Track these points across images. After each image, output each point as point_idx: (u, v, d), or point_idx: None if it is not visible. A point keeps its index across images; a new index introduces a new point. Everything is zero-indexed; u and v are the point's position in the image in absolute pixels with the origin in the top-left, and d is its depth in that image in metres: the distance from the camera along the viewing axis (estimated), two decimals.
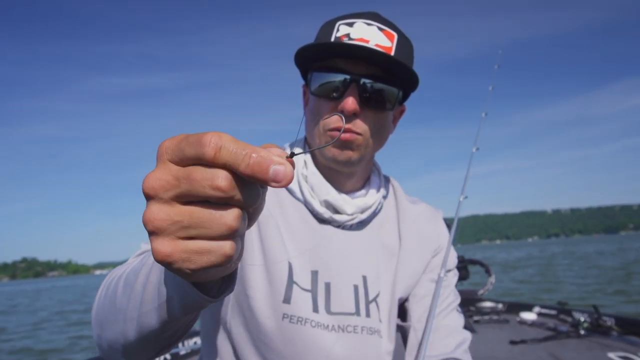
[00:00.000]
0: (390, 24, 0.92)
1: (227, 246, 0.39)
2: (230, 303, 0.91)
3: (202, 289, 0.50)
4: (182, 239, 0.38)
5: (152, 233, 0.38)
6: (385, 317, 0.96)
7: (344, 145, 0.89)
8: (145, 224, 0.38)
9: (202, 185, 0.37)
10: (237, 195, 0.38)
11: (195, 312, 0.56)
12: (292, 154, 0.40)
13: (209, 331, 0.97)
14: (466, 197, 1.33)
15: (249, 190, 0.38)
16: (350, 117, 0.87)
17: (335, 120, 0.88)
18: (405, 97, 0.98)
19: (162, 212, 0.37)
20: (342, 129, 0.88)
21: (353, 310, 0.92)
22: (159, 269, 0.55)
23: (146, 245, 0.83)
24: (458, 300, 1.05)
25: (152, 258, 0.58)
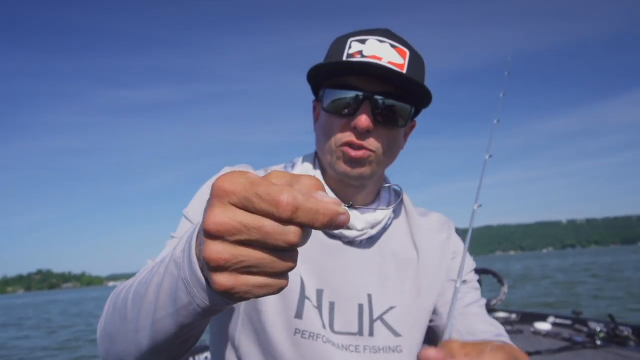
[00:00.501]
0: (402, 41, 0.92)
1: (284, 281, 0.43)
2: (240, 318, 0.91)
3: None
4: (243, 273, 0.42)
5: (214, 268, 0.41)
6: (403, 330, 0.95)
7: (357, 162, 0.89)
8: (208, 261, 0.41)
9: (274, 238, 0.40)
10: (300, 244, 0.41)
11: (214, 315, 0.58)
12: (351, 205, 0.45)
13: (217, 346, 0.97)
14: (480, 206, 1.31)
15: (308, 235, 0.42)
16: (363, 134, 0.87)
17: (347, 136, 0.88)
18: (416, 112, 0.98)
19: (227, 253, 0.40)
20: (354, 144, 0.88)
21: (356, 330, 0.92)
22: (172, 278, 0.54)
23: (152, 262, 0.83)
24: (484, 300, 1.06)
25: (161, 268, 0.58)
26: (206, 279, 0.48)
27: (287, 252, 0.42)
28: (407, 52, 0.91)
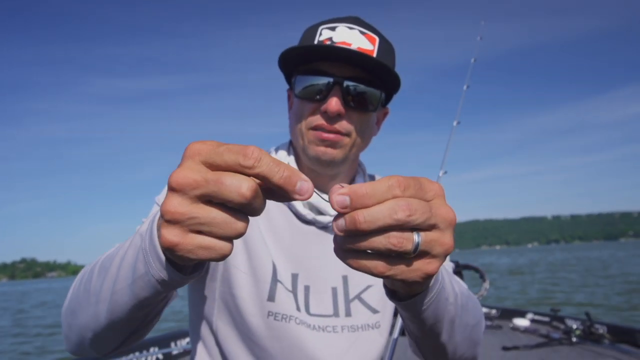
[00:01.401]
0: (371, 28, 0.94)
1: (228, 247, 0.44)
2: (215, 303, 0.93)
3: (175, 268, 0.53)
4: (192, 232, 0.43)
5: (167, 222, 0.43)
6: (381, 306, 0.97)
7: (329, 144, 0.90)
8: (163, 213, 0.42)
9: (229, 190, 0.41)
10: (253, 204, 0.42)
11: (168, 293, 0.58)
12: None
13: (197, 331, 0.99)
14: (446, 172, 1.31)
15: (262, 202, 0.43)
16: (334, 118, 0.89)
17: (318, 119, 0.90)
18: (388, 99, 1.00)
19: (183, 207, 0.42)
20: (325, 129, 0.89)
21: (331, 312, 0.94)
22: (135, 249, 0.57)
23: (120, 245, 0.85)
24: (451, 265, 1.07)
25: (127, 242, 0.61)
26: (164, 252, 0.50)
27: (239, 214, 0.43)
28: (377, 38, 0.92)
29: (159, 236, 0.45)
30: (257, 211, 0.43)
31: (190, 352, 1.06)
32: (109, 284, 0.61)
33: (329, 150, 0.91)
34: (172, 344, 3.39)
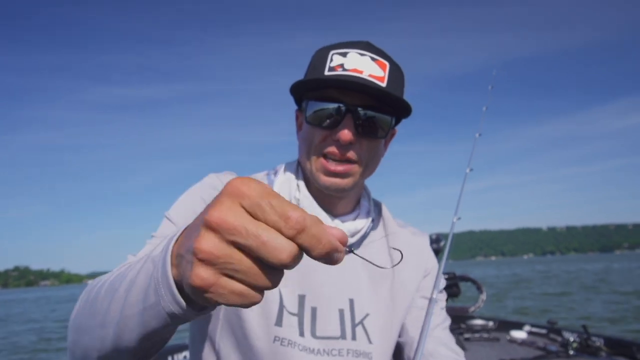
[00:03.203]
0: (382, 54, 0.95)
1: (259, 297, 0.43)
2: (219, 324, 0.93)
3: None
4: (224, 275, 0.41)
5: (201, 260, 0.40)
6: (377, 338, 0.97)
7: (337, 175, 0.91)
8: (198, 250, 0.40)
9: (267, 252, 0.39)
10: (290, 267, 0.41)
11: (178, 325, 0.57)
12: (351, 251, 0.45)
13: (197, 348, 0.98)
14: (459, 219, 1.34)
15: (298, 261, 0.42)
16: (345, 146, 0.90)
17: (328, 146, 0.91)
18: (397, 121, 1.00)
19: (219, 249, 0.40)
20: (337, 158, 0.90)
21: (338, 334, 0.94)
22: (146, 276, 0.54)
23: (133, 257, 0.84)
24: (449, 321, 1.09)
25: (139, 264, 0.58)
26: (177, 284, 0.48)
27: (274, 271, 0.42)
28: (387, 64, 0.93)
29: (189, 276, 0.42)
30: (292, 268, 0.42)
31: None
32: (116, 307, 0.59)
33: (338, 181, 0.92)
34: (169, 358, 3.37)
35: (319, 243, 0.40)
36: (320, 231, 0.40)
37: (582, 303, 15.28)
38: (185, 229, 0.49)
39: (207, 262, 0.40)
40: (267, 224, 0.40)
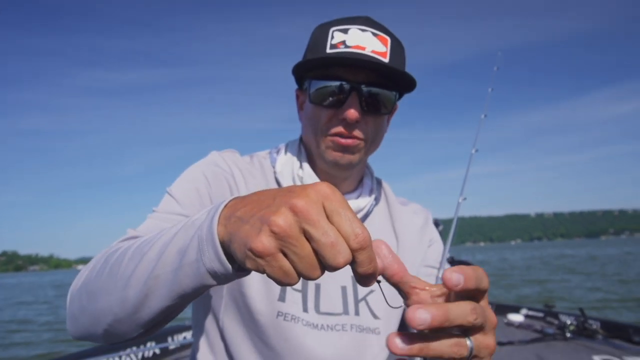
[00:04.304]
0: (382, 28, 0.93)
1: (296, 281, 0.46)
2: (223, 300, 0.93)
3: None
4: (281, 252, 0.44)
5: (272, 232, 0.43)
6: (382, 313, 0.98)
7: (347, 149, 0.91)
8: (272, 223, 0.43)
9: (331, 252, 0.43)
10: (338, 268, 0.44)
11: (208, 289, 0.58)
12: (379, 282, 0.50)
13: (202, 327, 0.98)
14: (465, 199, 1.34)
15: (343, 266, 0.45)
16: (352, 124, 0.89)
17: (335, 126, 0.89)
18: (400, 96, 0.99)
19: (292, 229, 0.43)
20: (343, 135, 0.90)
21: (341, 310, 0.95)
22: (186, 236, 0.55)
23: (133, 231, 0.84)
24: None
25: (174, 229, 0.58)
26: (222, 244, 0.50)
27: (323, 269, 0.45)
28: (389, 39, 0.91)
29: (253, 239, 0.45)
30: (332, 272, 0.46)
31: (188, 346, 1.06)
32: (145, 268, 0.58)
33: (347, 156, 0.91)
34: (169, 339, 3.37)
35: (369, 264, 0.44)
36: (372, 254, 0.44)
37: (571, 289, 15.54)
38: (235, 198, 0.53)
39: (276, 235, 0.43)
40: (339, 229, 0.43)
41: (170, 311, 0.61)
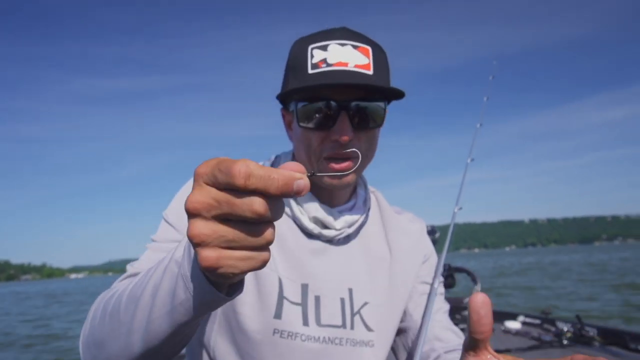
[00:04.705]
0: (361, 38, 0.90)
1: (266, 254, 0.46)
2: (217, 320, 0.92)
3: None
4: (225, 248, 0.44)
5: (198, 245, 0.43)
6: (376, 326, 0.97)
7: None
8: (191, 238, 0.43)
9: (242, 210, 0.42)
10: (270, 214, 0.43)
11: (206, 314, 0.59)
12: (313, 174, 0.46)
13: (193, 347, 0.97)
14: (461, 209, 1.33)
15: (277, 207, 0.44)
16: (345, 145, 0.87)
17: (328, 149, 0.88)
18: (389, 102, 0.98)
19: (207, 228, 0.43)
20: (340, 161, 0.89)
21: (340, 322, 0.94)
22: (172, 277, 0.57)
23: (132, 268, 0.84)
24: (448, 306, 1.10)
25: (159, 270, 0.61)
26: (204, 273, 0.51)
27: (260, 226, 0.44)
28: (369, 48, 0.89)
29: (199, 262, 0.45)
30: (277, 216, 0.44)
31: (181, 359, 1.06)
32: (143, 312, 0.61)
33: (343, 179, 0.91)
34: None
35: (270, 179, 0.41)
36: (267, 170, 0.41)
37: (567, 295, 15.58)
38: None
39: (203, 244, 0.43)
40: (225, 188, 0.42)
41: (177, 344, 0.65)
